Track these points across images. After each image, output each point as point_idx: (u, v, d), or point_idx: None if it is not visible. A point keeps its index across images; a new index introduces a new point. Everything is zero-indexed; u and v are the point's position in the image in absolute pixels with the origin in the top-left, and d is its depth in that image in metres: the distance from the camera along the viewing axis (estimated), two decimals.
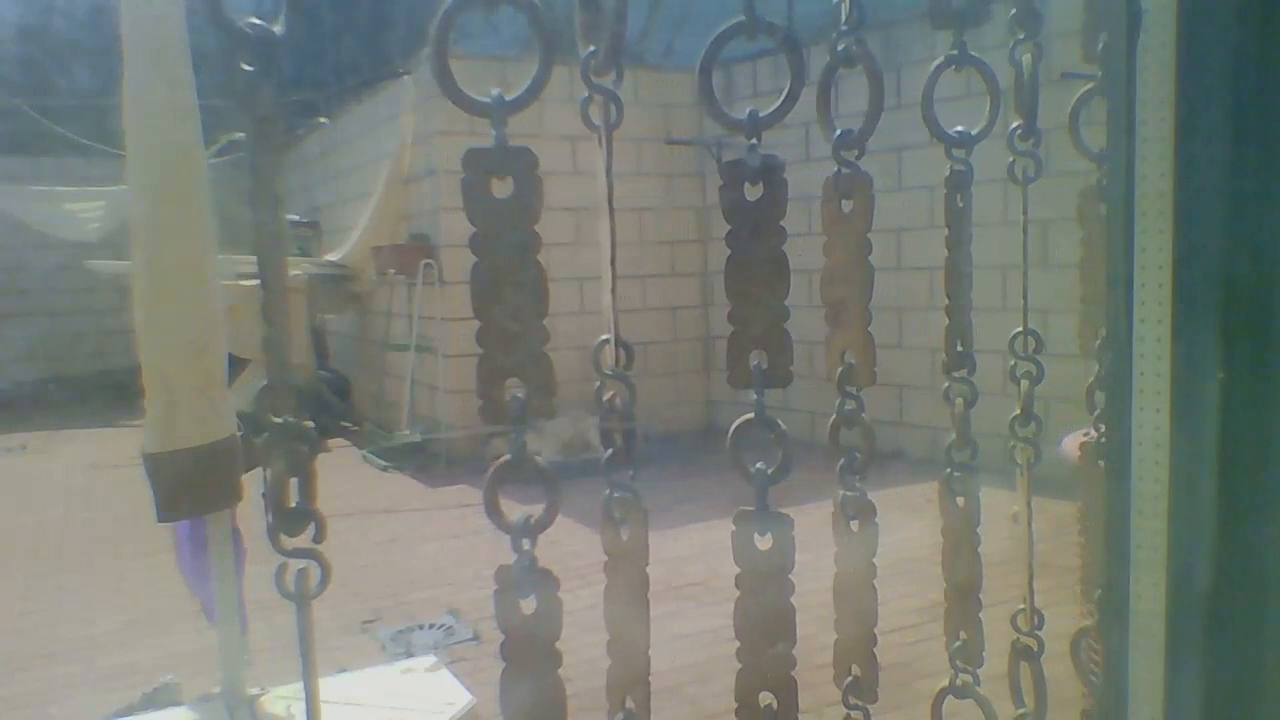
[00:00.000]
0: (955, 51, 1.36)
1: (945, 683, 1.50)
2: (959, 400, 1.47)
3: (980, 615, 1.48)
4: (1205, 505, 1.09)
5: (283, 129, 1.03)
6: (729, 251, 1.13)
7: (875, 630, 1.33)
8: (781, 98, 1.11)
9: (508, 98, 1.00)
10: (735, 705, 1.17)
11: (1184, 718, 1.12)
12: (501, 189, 1.01)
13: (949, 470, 1.47)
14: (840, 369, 1.28)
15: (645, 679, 1.18)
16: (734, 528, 1.15)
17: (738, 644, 1.17)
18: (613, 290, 1.17)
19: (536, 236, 1.02)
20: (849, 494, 1.30)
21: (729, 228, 1.13)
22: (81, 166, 11.31)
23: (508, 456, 1.04)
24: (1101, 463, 1.57)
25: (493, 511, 1.04)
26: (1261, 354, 1.07)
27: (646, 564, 1.17)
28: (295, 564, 1.09)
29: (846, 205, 1.27)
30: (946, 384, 1.47)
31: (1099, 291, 1.56)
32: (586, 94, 1.13)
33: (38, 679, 3.69)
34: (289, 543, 1.06)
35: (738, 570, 1.16)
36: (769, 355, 1.13)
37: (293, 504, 1.05)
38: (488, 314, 1.01)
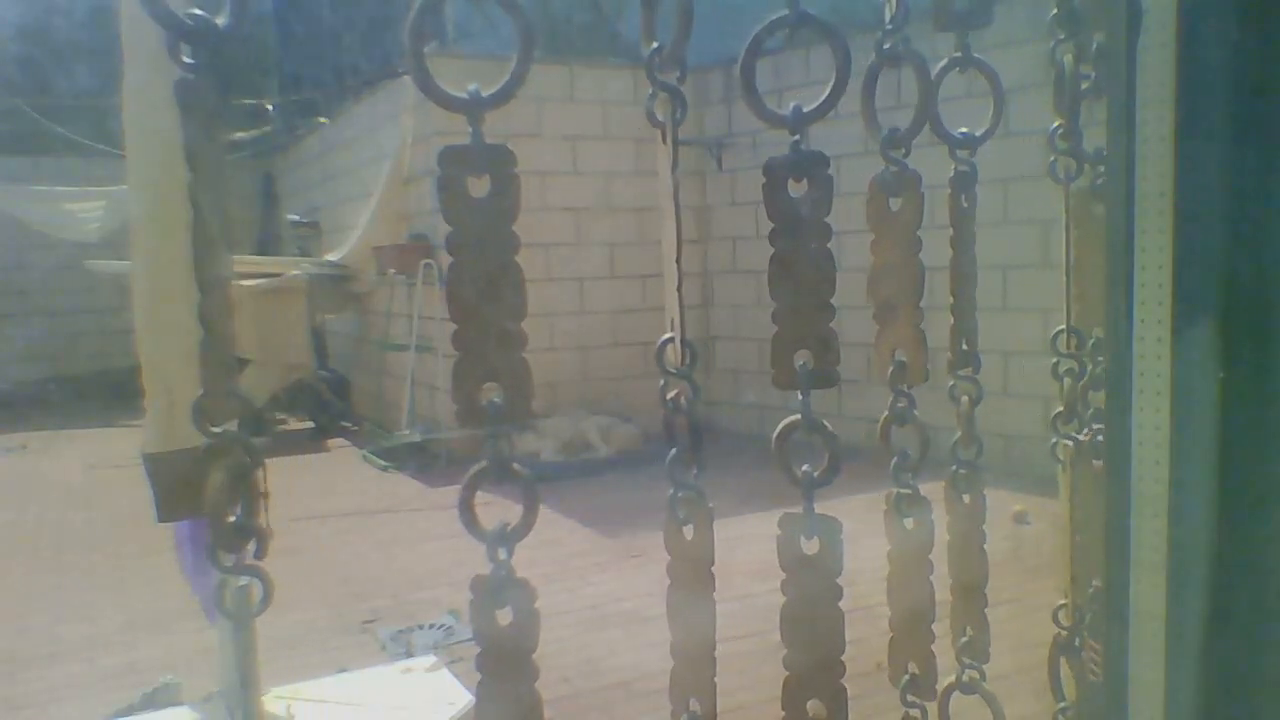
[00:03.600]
0: (959, 53, 1.36)
1: (951, 679, 1.50)
2: (965, 399, 1.48)
3: (985, 612, 1.48)
4: (1205, 505, 1.09)
5: (226, 126, 0.99)
6: (772, 250, 1.11)
7: (933, 627, 1.33)
8: (827, 92, 1.09)
9: (486, 94, 0.98)
10: (782, 715, 1.16)
11: (1184, 718, 1.12)
12: (479, 188, 1.00)
13: (954, 468, 1.47)
14: (891, 368, 1.29)
15: (712, 682, 1.17)
16: (779, 531, 1.14)
17: (783, 651, 1.15)
18: (679, 288, 1.15)
19: (515, 237, 1.00)
20: (903, 491, 1.31)
21: (772, 226, 1.10)
22: (81, 166, 11.31)
23: (484, 463, 1.01)
24: (1094, 462, 1.58)
25: (468, 520, 1.02)
26: (1261, 354, 1.07)
27: (712, 564, 1.16)
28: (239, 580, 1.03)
29: (894, 204, 1.27)
30: (951, 382, 1.47)
31: (1093, 291, 1.56)
32: (650, 90, 1.12)
33: (38, 679, 3.69)
34: (228, 559, 1.01)
35: (783, 575, 1.14)
36: (815, 355, 1.12)
37: (232, 518, 1.00)
38: (464, 316, 0.99)
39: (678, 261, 1.15)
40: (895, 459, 1.32)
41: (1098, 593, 1.60)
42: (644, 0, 1.10)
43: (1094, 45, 1.46)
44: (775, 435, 1.13)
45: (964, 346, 1.46)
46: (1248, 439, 1.07)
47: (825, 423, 1.13)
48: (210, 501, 0.99)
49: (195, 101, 0.95)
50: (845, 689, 1.15)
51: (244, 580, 1.02)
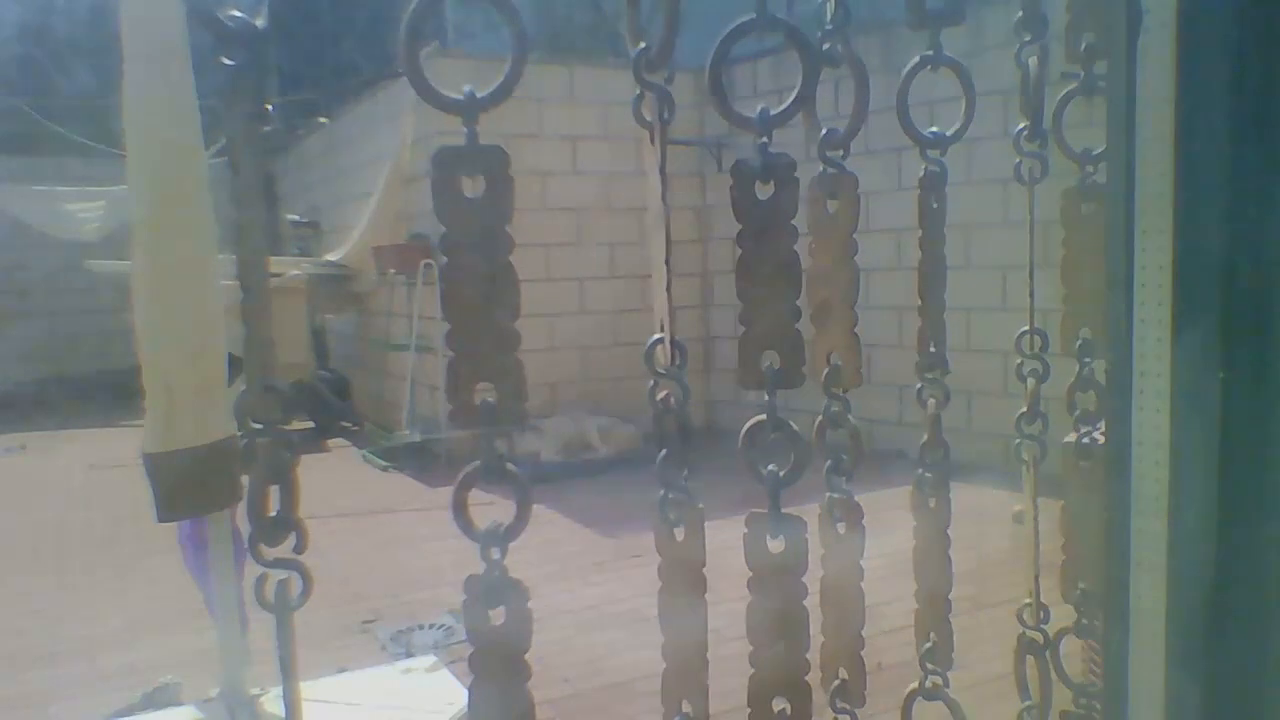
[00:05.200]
0: (931, 52, 1.35)
1: (914, 685, 1.49)
2: (931, 401, 1.47)
3: (950, 618, 1.48)
4: (1205, 505, 1.09)
5: (267, 125, 1.00)
6: (739, 251, 1.12)
7: (862, 634, 1.32)
8: (792, 96, 1.10)
9: (481, 94, 0.98)
10: (748, 710, 1.16)
11: (1184, 718, 1.11)
12: (473, 188, 0.99)
13: (920, 471, 1.46)
14: (826, 371, 1.28)
15: (703, 683, 1.16)
16: (745, 530, 1.14)
17: (750, 648, 1.15)
18: (667, 289, 1.15)
19: (509, 237, 1.00)
20: (835, 496, 1.30)
21: (739, 227, 1.11)
22: (81, 166, 11.31)
23: (477, 464, 1.01)
24: (1082, 463, 1.58)
25: (462, 521, 1.02)
26: (1261, 354, 1.07)
27: (703, 564, 1.15)
28: (276, 574, 1.05)
29: (832, 205, 1.27)
30: (919, 385, 1.46)
31: (1081, 292, 1.56)
32: (637, 91, 1.12)
33: (38, 679, 3.69)
34: (269, 553, 1.02)
35: (749, 574, 1.15)
36: (781, 356, 1.12)
37: (273, 512, 1.01)
38: (458, 316, 0.99)
39: (667, 262, 1.15)
40: (829, 462, 1.30)
41: (1084, 594, 1.59)
42: (630, 0, 1.10)
43: (1082, 45, 1.46)
44: (742, 435, 1.13)
45: (932, 348, 1.45)
46: (1248, 439, 1.07)
47: (791, 423, 1.13)
48: (250, 496, 1.00)
49: (236, 102, 0.96)
50: (810, 687, 1.15)
51: (283, 574, 1.03)
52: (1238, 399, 1.07)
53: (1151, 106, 1.10)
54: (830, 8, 1.24)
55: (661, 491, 1.15)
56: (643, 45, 1.10)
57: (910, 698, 1.49)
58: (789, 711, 1.16)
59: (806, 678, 1.16)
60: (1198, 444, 1.09)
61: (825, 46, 1.25)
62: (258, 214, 1.00)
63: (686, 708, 1.16)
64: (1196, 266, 1.08)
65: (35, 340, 12.23)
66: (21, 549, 5.63)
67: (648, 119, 1.14)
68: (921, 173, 1.39)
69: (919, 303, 1.43)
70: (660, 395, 1.15)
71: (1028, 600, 1.62)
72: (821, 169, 1.25)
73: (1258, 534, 1.08)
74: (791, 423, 1.14)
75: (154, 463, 2.44)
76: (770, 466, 1.14)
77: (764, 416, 1.13)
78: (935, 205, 1.40)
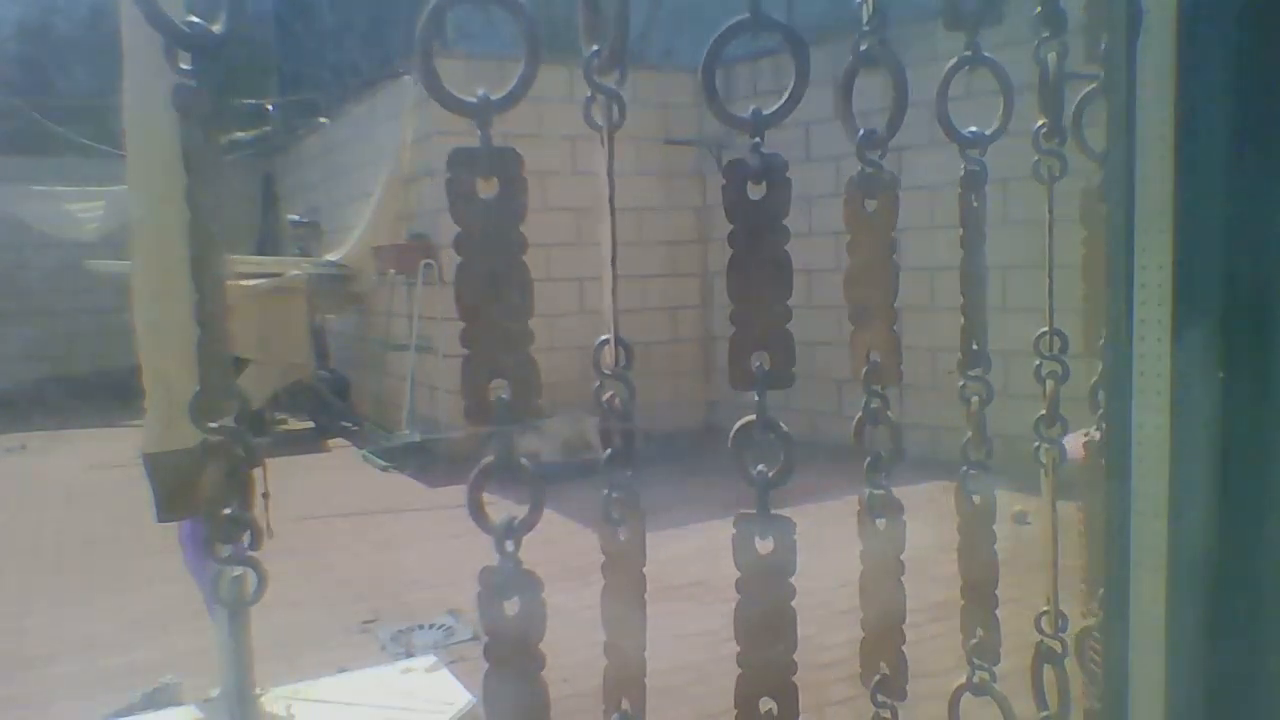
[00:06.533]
0: (969, 52, 1.36)
1: (962, 680, 1.49)
2: (975, 399, 1.47)
3: (996, 613, 1.48)
4: (1205, 505, 1.09)
5: (224, 129, 1.01)
6: (731, 251, 1.12)
7: (903, 628, 1.32)
8: (785, 96, 1.10)
9: (495, 98, 0.99)
10: (735, 711, 1.17)
11: (1184, 718, 1.12)
12: (487, 189, 1.01)
13: (965, 468, 1.47)
14: (865, 368, 1.29)
15: (641, 680, 1.18)
16: (734, 530, 1.15)
17: (737, 648, 1.16)
18: (613, 290, 1.17)
19: (522, 237, 1.01)
20: (876, 492, 1.31)
21: (731, 227, 1.12)
22: (81, 166, 11.31)
23: (491, 457, 1.03)
24: (1103, 461, 1.58)
25: (476, 513, 1.03)
26: (1261, 354, 1.07)
27: (644, 565, 1.16)
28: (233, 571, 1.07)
29: (870, 205, 1.27)
30: (962, 383, 1.47)
31: (1100, 292, 1.56)
32: (589, 93, 1.13)
33: (38, 679, 3.69)
34: (223, 550, 1.04)
35: (738, 574, 1.16)
36: (771, 356, 1.13)
37: (228, 511, 1.02)
38: (473, 315, 1.01)
39: (613, 264, 1.16)
40: (868, 459, 1.31)
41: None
42: (584, 2, 1.10)
43: (1102, 45, 1.46)
44: (732, 435, 1.14)
45: (974, 347, 1.46)
46: (1248, 439, 1.08)
47: (781, 423, 1.14)
48: (206, 495, 1.00)
49: (193, 106, 0.96)
50: (796, 687, 1.16)
51: (238, 571, 1.05)
52: (1238, 399, 1.07)
53: (1151, 106, 1.10)
54: (867, 8, 1.24)
55: (605, 490, 1.15)
56: (595, 48, 1.11)
57: (958, 693, 1.49)
58: (776, 713, 1.16)
59: (794, 679, 1.16)
60: (1198, 444, 1.09)
61: (863, 47, 1.25)
62: (212, 215, 1.00)
63: (626, 705, 1.17)
64: (1196, 266, 1.08)
65: (35, 340, 12.24)
66: (21, 549, 5.63)
67: (598, 122, 1.15)
68: (962, 172, 1.40)
69: (961, 301, 1.44)
70: (606, 396, 1.17)
71: (1045, 608, 1.61)
72: (860, 169, 1.26)
73: (1258, 534, 1.08)
74: (782, 424, 1.14)
75: (154, 463, 2.44)
76: (760, 467, 1.14)
77: (754, 417, 1.14)
78: (976, 205, 1.41)
